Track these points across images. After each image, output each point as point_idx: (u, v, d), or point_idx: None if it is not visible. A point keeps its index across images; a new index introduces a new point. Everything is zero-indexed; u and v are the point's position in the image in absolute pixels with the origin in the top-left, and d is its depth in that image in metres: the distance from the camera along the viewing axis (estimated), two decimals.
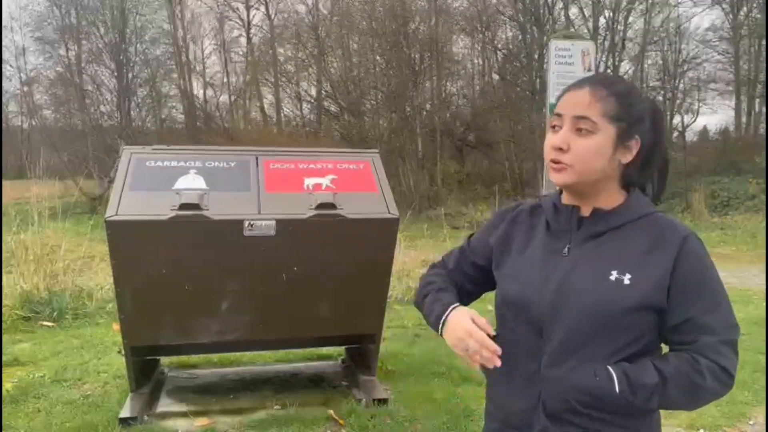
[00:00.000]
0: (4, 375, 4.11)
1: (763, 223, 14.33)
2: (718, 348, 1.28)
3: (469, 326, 1.31)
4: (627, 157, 1.33)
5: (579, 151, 1.30)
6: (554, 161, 1.32)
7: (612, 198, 1.36)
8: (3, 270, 5.91)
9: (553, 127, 1.35)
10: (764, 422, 3.60)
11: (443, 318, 1.39)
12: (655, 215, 1.35)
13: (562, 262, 1.34)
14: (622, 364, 1.27)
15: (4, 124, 22.01)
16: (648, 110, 1.36)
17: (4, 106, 21.88)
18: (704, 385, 1.26)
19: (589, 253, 1.34)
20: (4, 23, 20.68)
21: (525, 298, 1.36)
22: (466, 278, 1.55)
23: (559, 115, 1.33)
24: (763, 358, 4.64)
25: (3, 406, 3.66)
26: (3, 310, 5.46)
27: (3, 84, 21.52)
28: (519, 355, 1.36)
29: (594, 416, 1.27)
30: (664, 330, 1.31)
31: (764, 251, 11.07)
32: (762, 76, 20.67)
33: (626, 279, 1.28)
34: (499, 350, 1.29)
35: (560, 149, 1.31)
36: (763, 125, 21.34)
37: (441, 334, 1.40)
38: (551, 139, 1.34)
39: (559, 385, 1.29)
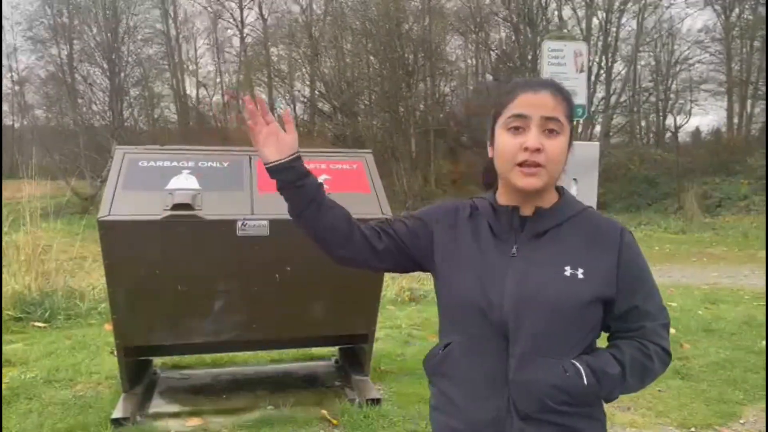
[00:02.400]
0: None
1: (755, 224, 14.43)
2: (659, 331, 1.38)
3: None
4: (569, 156, 1.38)
5: (552, 151, 1.30)
6: (531, 164, 1.29)
7: (551, 196, 1.39)
8: None
9: (515, 128, 1.32)
10: (755, 421, 3.63)
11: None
12: (587, 211, 1.40)
13: (514, 263, 1.34)
14: (584, 357, 1.32)
15: None
16: None
17: None
18: (653, 368, 1.36)
19: (537, 251, 1.34)
20: None
21: (485, 302, 1.32)
22: (388, 234, 1.49)
23: (523, 116, 1.31)
24: (753, 357, 4.67)
25: None
26: None
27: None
28: (483, 361, 1.33)
29: (563, 411, 1.30)
30: (609, 319, 1.37)
31: (755, 251, 11.14)
32: (754, 77, 20.81)
33: (580, 273, 1.31)
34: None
35: (537, 150, 1.29)
36: (755, 126, 21.50)
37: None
38: (521, 141, 1.30)
39: (532, 386, 1.29)
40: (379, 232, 1.49)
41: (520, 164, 1.30)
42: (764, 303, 6.60)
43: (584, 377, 1.28)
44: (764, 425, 3.57)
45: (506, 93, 1.37)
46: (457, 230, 1.43)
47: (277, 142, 1.39)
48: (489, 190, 1.47)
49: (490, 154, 1.42)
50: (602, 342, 1.42)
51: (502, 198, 1.40)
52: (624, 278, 1.34)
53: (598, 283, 1.31)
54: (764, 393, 3.97)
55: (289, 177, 1.39)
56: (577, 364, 1.29)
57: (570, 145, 1.36)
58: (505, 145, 1.33)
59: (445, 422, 1.40)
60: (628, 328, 1.37)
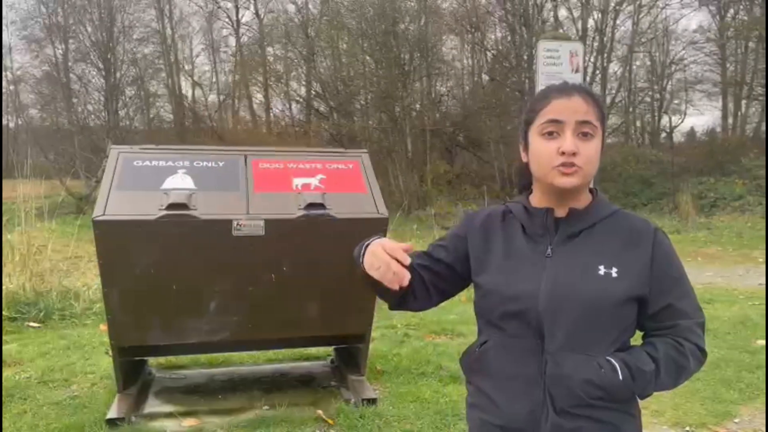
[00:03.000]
0: None
1: (749, 224, 14.49)
2: (695, 330, 1.41)
3: (380, 247, 1.29)
4: (601, 157, 1.42)
5: (587, 154, 1.35)
6: (568, 165, 1.34)
7: (584, 198, 1.44)
8: None
9: (549, 133, 1.37)
10: (750, 420, 3.64)
11: (364, 246, 1.37)
12: (620, 212, 1.44)
13: (548, 264, 1.38)
14: (618, 354, 1.35)
15: None
16: None
17: None
18: (688, 366, 1.39)
19: (572, 251, 1.39)
20: None
21: (520, 302, 1.37)
22: (429, 271, 1.50)
23: (557, 122, 1.36)
24: (748, 356, 4.69)
25: None
26: None
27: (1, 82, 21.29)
28: (518, 358, 1.38)
29: (598, 405, 1.33)
30: (643, 317, 1.41)
31: (750, 251, 11.18)
32: (749, 78, 20.88)
33: (614, 272, 1.36)
34: (405, 274, 1.26)
35: (573, 153, 1.34)
36: (750, 126, 21.58)
37: (363, 264, 1.35)
38: (557, 146, 1.35)
39: (568, 381, 1.33)
40: (422, 274, 1.49)
41: (557, 166, 1.35)
42: (758, 302, 6.63)
43: (619, 373, 1.32)
44: (759, 424, 3.58)
45: (539, 99, 1.42)
46: (491, 234, 1.48)
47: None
48: (522, 193, 1.51)
49: (524, 159, 1.46)
50: (636, 340, 1.44)
51: (536, 200, 1.45)
52: (657, 277, 1.37)
53: (632, 282, 1.35)
54: (759, 392, 3.99)
55: None
56: (613, 360, 1.33)
57: (603, 146, 1.40)
58: (541, 150, 1.38)
59: (482, 418, 1.45)
60: (662, 327, 1.40)
